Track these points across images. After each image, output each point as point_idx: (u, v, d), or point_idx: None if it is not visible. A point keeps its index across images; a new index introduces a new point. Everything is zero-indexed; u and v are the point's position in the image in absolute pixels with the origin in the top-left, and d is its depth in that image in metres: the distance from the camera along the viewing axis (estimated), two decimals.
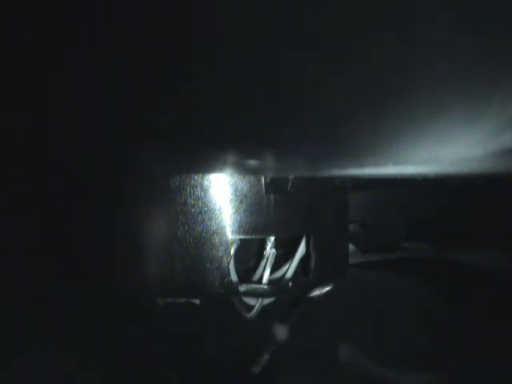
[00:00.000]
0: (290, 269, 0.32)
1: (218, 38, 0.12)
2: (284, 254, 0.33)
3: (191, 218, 0.29)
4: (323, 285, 0.35)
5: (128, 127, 0.18)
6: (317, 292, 0.34)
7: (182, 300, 0.34)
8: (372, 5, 0.11)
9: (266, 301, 0.35)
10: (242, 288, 0.31)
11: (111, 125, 0.18)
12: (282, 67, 0.13)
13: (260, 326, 0.40)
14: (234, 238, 0.30)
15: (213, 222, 0.29)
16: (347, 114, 0.16)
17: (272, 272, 0.32)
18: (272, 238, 0.31)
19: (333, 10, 0.11)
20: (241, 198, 0.30)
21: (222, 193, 0.29)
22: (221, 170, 0.29)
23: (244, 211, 0.30)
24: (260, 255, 0.32)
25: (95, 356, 0.39)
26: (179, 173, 0.29)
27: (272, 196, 0.30)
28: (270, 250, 0.32)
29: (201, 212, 0.29)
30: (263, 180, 0.30)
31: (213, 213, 0.29)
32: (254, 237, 0.30)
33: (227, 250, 0.29)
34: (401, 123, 0.17)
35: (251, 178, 0.30)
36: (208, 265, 0.29)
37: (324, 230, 0.33)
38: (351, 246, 0.47)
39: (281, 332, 0.38)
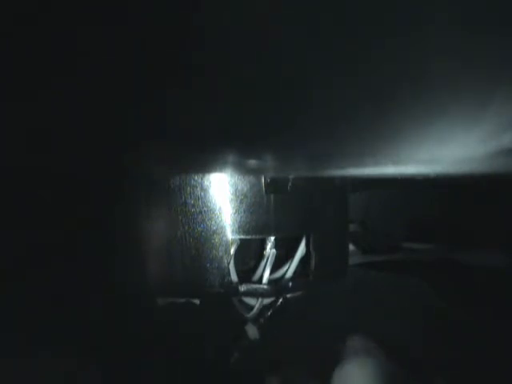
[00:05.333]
0: (290, 269, 0.32)
1: (218, 37, 0.12)
2: (284, 254, 0.33)
3: (191, 218, 0.29)
4: (323, 285, 0.35)
5: (128, 127, 0.18)
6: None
7: (182, 300, 0.34)
8: (372, 4, 0.11)
9: (266, 301, 0.35)
10: (242, 288, 0.31)
11: (111, 125, 0.18)
12: (281, 67, 0.13)
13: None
14: (234, 237, 0.30)
15: (213, 222, 0.29)
16: (347, 113, 0.16)
17: (272, 272, 0.32)
18: (272, 238, 0.32)
19: (333, 9, 0.11)
20: (241, 198, 0.30)
21: (222, 193, 0.29)
22: (221, 170, 0.29)
23: (244, 211, 0.30)
24: (260, 255, 0.33)
25: (95, 356, 0.39)
26: (179, 173, 0.29)
27: (272, 196, 0.30)
28: (270, 250, 0.32)
29: (201, 212, 0.29)
30: (263, 180, 0.30)
31: (213, 213, 0.29)
32: (254, 237, 0.30)
33: (227, 250, 0.29)
34: (401, 123, 0.17)
35: (251, 177, 0.30)
36: (208, 265, 0.30)
37: (324, 230, 0.33)
38: (351, 246, 0.47)
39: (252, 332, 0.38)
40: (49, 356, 0.37)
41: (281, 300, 0.36)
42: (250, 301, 0.34)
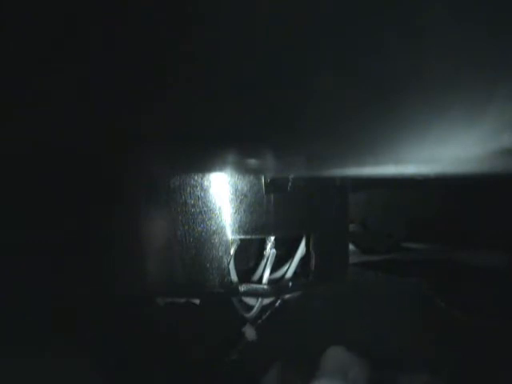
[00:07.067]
0: (290, 269, 0.32)
1: (219, 38, 0.12)
2: (284, 254, 0.33)
3: (191, 218, 0.29)
4: (323, 285, 0.35)
5: (128, 127, 0.18)
6: None
7: (182, 300, 0.34)
8: (372, 4, 0.11)
9: (266, 301, 0.35)
10: (242, 288, 0.31)
11: (111, 125, 0.18)
12: (281, 67, 0.13)
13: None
14: (233, 238, 0.30)
15: (213, 222, 0.29)
16: (347, 113, 0.16)
17: (272, 272, 0.32)
18: (272, 238, 0.32)
19: (332, 9, 0.11)
20: (241, 198, 0.30)
21: (222, 193, 0.29)
22: (221, 170, 0.29)
23: (244, 211, 0.30)
24: (260, 255, 0.32)
25: (95, 356, 0.39)
26: (179, 173, 0.29)
27: (272, 196, 0.30)
28: (270, 250, 0.32)
29: (201, 212, 0.29)
30: (263, 180, 0.30)
31: (213, 213, 0.29)
32: (254, 237, 0.30)
33: (227, 250, 0.29)
34: (401, 123, 0.17)
35: (251, 177, 0.30)
36: (208, 265, 0.29)
37: (324, 230, 0.33)
38: (351, 246, 0.47)
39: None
40: (49, 356, 0.37)
41: (279, 302, 0.36)
42: (250, 301, 0.34)
